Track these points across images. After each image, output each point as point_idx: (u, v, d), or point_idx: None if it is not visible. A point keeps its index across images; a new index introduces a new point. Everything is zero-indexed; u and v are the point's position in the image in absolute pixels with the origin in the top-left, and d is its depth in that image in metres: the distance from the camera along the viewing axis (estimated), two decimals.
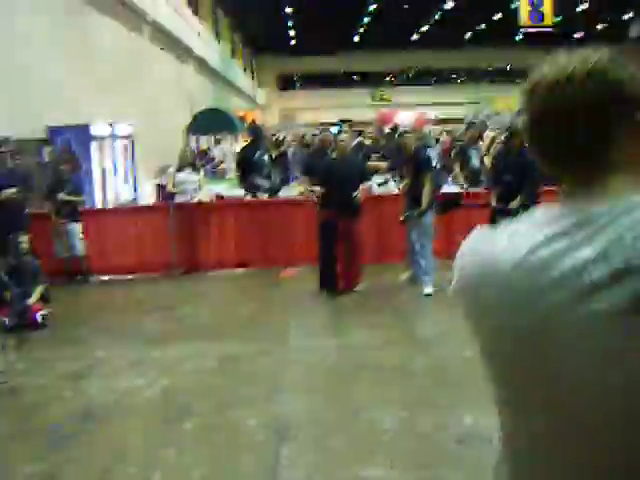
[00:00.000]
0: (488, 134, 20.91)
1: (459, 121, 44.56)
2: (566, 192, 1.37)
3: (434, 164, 13.29)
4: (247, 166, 13.20)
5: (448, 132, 19.08)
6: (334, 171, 9.84)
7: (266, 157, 13.06)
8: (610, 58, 1.32)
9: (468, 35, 49.84)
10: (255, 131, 14.24)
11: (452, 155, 14.47)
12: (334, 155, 10.27)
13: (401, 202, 10.10)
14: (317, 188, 9.80)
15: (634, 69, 1.33)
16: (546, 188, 10.57)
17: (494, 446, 1.50)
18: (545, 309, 1.28)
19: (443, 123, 45.44)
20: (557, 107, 1.32)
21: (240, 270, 11.79)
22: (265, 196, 12.92)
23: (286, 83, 59.80)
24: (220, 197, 13.87)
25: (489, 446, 4.41)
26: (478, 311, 1.45)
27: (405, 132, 10.25)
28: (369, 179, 11.12)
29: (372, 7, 40.53)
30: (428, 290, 9.52)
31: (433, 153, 13.89)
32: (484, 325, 1.43)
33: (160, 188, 15.79)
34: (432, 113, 49.73)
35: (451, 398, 6.03)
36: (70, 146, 12.32)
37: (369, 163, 12.40)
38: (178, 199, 12.41)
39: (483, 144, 15.34)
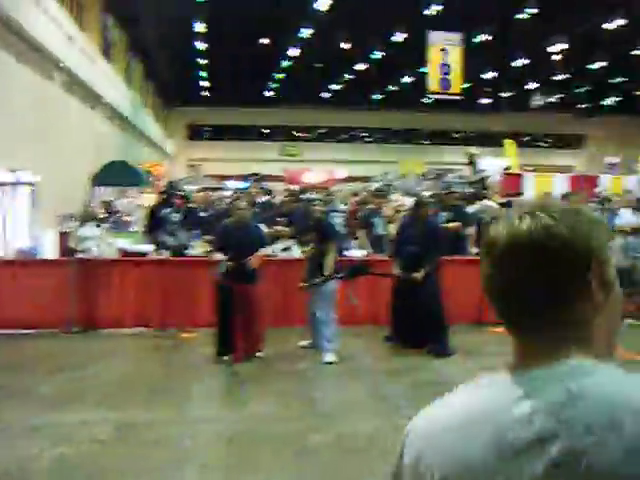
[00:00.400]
0: (393, 199, 21.27)
1: (367, 179, 45.28)
2: (514, 349, 1.43)
3: (339, 229, 13.43)
4: (153, 222, 13.07)
5: (355, 194, 19.26)
6: (230, 237, 9.74)
7: (174, 214, 12.93)
8: (553, 223, 1.38)
9: (378, 96, 50.84)
10: (167, 188, 14.15)
11: (357, 219, 14.61)
12: (231, 219, 10.15)
13: (304, 267, 10.15)
14: (220, 256, 9.67)
15: (579, 228, 1.39)
16: (447, 258, 10.95)
17: None
18: (486, 472, 1.32)
19: (351, 181, 46.07)
20: (506, 271, 1.39)
21: (140, 329, 11.59)
22: (168, 254, 12.77)
23: (196, 134, 59.57)
24: (124, 252, 13.68)
25: None
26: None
27: (311, 200, 10.32)
28: (266, 245, 11.19)
29: (285, 64, 41.04)
30: (329, 358, 9.59)
31: (339, 219, 14.04)
32: None
33: (62, 236, 15.45)
34: (340, 171, 50.35)
35: (353, 472, 6.03)
36: None
37: (273, 228, 12.39)
38: (79, 255, 12.21)
39: (387, 210, 15.54)
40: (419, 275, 10.08)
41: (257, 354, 9.83)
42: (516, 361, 1.41)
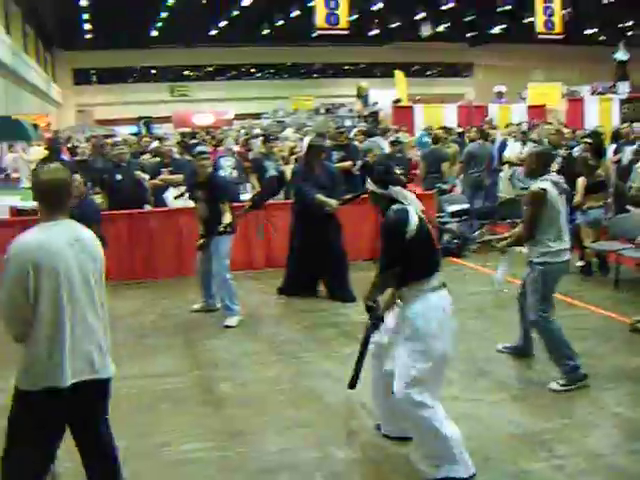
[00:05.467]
0: (287, 136, 21.22)
1: (258, 116, 44.99)
2: (47, 215, 4.00)
3: (230, 172, 13.32)
4: None
5: (244, 141, 18.92)
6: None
7: None
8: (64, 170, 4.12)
9: (267, 31, 50.23)
10: (52, 143, 13.72)
11: (249, 162, 14.59)
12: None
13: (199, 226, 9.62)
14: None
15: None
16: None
17: None
18: (57, 260, 3.90)
19: (242, 119, 45.69)
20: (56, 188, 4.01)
21: None
22: None
23: (82, 78, 57.80)
24: (15, 210, 13.37)
25: (295, 473, 4.58)
26: (35, 267, 3.82)
27: (201, 153, 9.71)
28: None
29: (170, 2, 40.15)
30: (231, 322, 9.16)
31: (229, 162, 13.93)
32: (46, 272, 3.85)
33: None
34: (232, 110, 49.80)
35: (255, 425, 6.15)
36: None
37: (161, 177, 12.21)
38: None
39: (282, 151, 15.54)
40: (334, 202, 9.93)
41: None
42: (45, 220, 3.99)
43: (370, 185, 5.21)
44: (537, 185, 6.75)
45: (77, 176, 9.40)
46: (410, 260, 4.97)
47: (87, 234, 4.14)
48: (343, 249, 10.34)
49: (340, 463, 5.43)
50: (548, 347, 6.90)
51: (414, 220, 4.93)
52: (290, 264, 10.53)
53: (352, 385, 5.51)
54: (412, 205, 5.07)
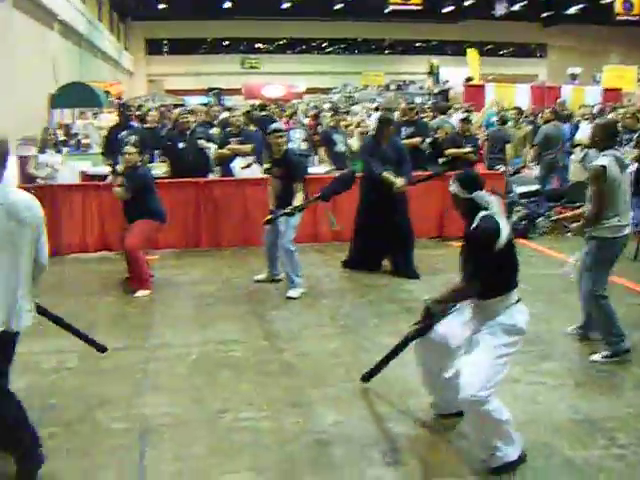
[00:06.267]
0: (357, 112, 21.15)
1: (327, 90, 44.92)
2: None
3: (299, 144, 13.33)
4: (110, 145, 12.93)
5: (314, 115, 18.82)
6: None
7: (132, 137, 12.73)
8: None
9: (340, 5, 49.98)
10: (122, 110, 13.93)
11: (317, 135, 14.64)
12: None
13: (267, 195, 9.67)
14: None
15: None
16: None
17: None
18: None
19: (312, 93, 45.67)
20: None
21: (101, 254, 11.57)
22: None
23: (155, 48, 58.35)
24: (85, 175, 13.60)
25: (350, 446, 4.56)
26: None
27: (277, 131, 9.64)
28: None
29: None
30: (293, 294, 9.18)
31: (299, 134, 13.98)
32: None
33: (21, 161, 15.21)
34: (302, 83, 49.76)
35: (313, 396, 6.16)
36: None
37: (229, 146, 12.10)
38: (40, 182, 12.16)
39: (348, 126, 15.51)
40: (400, 181, 9.81)
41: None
42: None
43: (454, 188, 5.00)
44: (597, 162, 6.78)
45: (129, 147, 9.46)
46: (493, 273, 4.87)
47: (18, 197, 4.47)
48: (409, 226, 10.28)
49: (396, 439, 5.40)
50: (598, 320, 7.05)
51: (506, 231, 4.78)
52: (356, 238, 10.53)
53: (366, 378, 6.10)
54: (498, 212, 4.90)
